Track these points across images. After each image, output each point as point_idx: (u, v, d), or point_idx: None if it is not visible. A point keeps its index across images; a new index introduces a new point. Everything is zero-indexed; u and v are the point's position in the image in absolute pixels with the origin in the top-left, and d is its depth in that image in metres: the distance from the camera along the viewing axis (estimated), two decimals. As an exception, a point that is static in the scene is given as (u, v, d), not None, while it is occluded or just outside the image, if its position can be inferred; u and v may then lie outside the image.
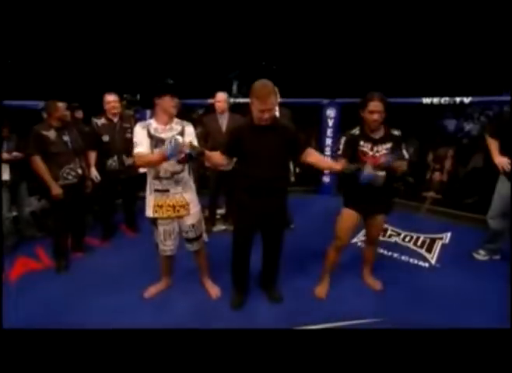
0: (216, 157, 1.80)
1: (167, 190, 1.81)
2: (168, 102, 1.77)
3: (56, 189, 2.28)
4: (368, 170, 1.67)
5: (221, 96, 2.81)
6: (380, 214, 1.97)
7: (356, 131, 1.87)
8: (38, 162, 2.26)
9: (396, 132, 1.87)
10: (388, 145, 1.83)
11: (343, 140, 1.88)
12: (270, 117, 1.62)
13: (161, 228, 1.91)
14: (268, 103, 1.57)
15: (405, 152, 1.88)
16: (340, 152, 1.87)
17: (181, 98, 1.91)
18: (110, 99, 2.71)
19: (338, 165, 1.78)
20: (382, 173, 1.72)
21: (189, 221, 1.89)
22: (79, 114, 3.36)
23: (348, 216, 1.95)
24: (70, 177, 2.36)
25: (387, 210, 1.98)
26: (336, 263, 2.12)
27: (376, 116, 1.74)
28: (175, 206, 1.83)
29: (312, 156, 1.83)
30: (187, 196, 1.85)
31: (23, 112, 3.29)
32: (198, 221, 1.93)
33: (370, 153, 1.82)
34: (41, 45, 5.76)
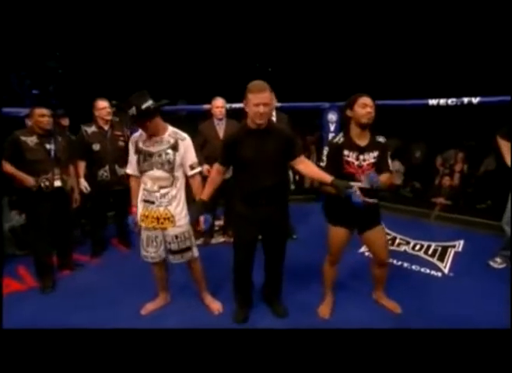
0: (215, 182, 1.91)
1: (152, 202, 1.90)
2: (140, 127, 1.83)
3: (29, 180, 2.28)
4: (357, 195, 1.63)
5: (220, 102, 2.91)
6: (376, 225, 1.91)
7: (340, 139, 1.83)
8: (3, 164, 2.28)
9: (381, 139, 1.84)
10: (375, 153, 1.80)
11: (326, 150, 1.85)
12: (266, 114, 1.67)
13: (144, 234, 2.00)
14: (263, 97, 1.62)
15: (390, 163, 1.84)
16: (323, 164, 1.83)
17: (172, 103, 1.98)
18: (104, 104, 2.78)
19: (328, 178, 1.71)
20: (373, 200, 1.71)
21: (172, 232, 1.93)
22: (65, 121, 3.42)
23: (336, 234, 1.92)
24: (45, 190, 2.35)
25: (378, 219, 1.93)
26: (335, 277, 2.13)
27: (369, 109, 1.72)
28: (159, 218, 1.90)
29: (303, 164, 1.83)
30: (173, 208, 1.90)
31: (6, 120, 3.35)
32: (183, 233, 1.95)
33: (356, 162, 1.79)
34: (25, 50, 5.89)
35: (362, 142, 1.80)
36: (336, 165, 1.80)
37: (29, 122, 2.53)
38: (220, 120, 2.92)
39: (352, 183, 1.69)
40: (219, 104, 2.89)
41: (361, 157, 1.79)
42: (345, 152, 1.79)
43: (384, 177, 1.81)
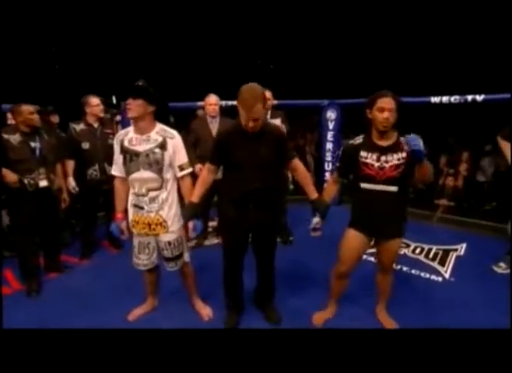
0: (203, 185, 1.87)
1: (142, 208, 1.84)
2: (134, 106, 1.71)
3: (10, 176, 2.22)
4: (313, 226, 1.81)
5: (213, 99, 2.88)
6: (394, 238, 1.83)
7: (358, 140, 1.78)
8: None
9: None
10: (401, 155, 1.68)
11: (341, 151, 1.83)
12: (257, 126, 1.66)
13: (136, 240, 1.95)
14: (255, 112, 1.60)
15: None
16: (337, 165, 1.84)
17: (168, 101, 1.93)
18: (98, 101, 2.76)
19: (312, 195, 1.82)
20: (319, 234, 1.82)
21: (165, 238, 1.89)
22: (55, 119, 3.39)
23: (354, 239, 1.84)
24: (29, 188, 2.31)
25: (402, 232, 1.84)
26: (344, 290, 2.04)
27: (386, 115, 1.61)
28: (150, 224, 1.85)
29: (295, 172, 1.87)
30: (164, 213, 1.84)
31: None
32: (176, 239, 1.91)
33: (376, 164, 1.70)
34: (14, 46, 5.88)
35: (385, 142, 1.70)
36: (352, 167, 1.76)
37: (11, 119, 2.47)
38: (213, 117, 2.89)
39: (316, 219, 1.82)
40: (212, 101, 2.86)
41: (382, 158, 1.69)
42: (363, 153, 1.73)
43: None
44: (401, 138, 1.72)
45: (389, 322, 2.02)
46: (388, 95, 1.65)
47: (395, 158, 1.68)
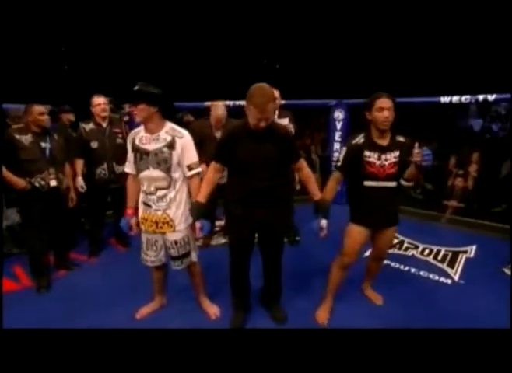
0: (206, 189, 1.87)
1: (150, 206, 1.86)
2: (138, 111, 1.74)
3: (20, 183, 2.27)
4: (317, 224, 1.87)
5: (220, 112, 2.80)
6: (391, 226, 1.99)
7: (360, 139, 1.87)
8: None
9: (401, 139, 1.88)
10: (396, 153, 1.83)
11: (344, 151, 1.89)
12: (266, 124, 1.67)
13: (144, 237, 1.98)
14: (266, 112, 1.61)
15: None
16: (339, 164, 1.89)
17: (174, 101, 1.93)
18: (100, 101, 2.79)
19: (317, 195, 1.89)
20: (324, 233, 1.88)
21: (172, 237, 1.91)
22: (71, 117, 3.41)
23: (357, 233, 1.95)
24: (42, 189, 2.35)
25: (398, 220, 1.99)
26: (342, 281, 2.10)
27: (386, 114, 1.73)
28: (158, 222, 1.87)
29: (299, 172, 1.91)
30: (171, 212, 1.86)
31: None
32: (183, 238, 1.93)
33: (378, 162, 1.82)
34: (25, 46, 5.97)
35: (384, 142, 1.84)
36: (356, 166, 1.84)
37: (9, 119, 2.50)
38: (218, 129, 2.88)
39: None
40: (219, 116, 2.78)
41: (383, 157, 1.83)
42: (366, 153, 1.83)
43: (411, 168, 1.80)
44: (397, 137, 1.86)
45: (376, 298, 2.23)
46: (384, 95, 1.77)
47: (392, 157, 1.83)
